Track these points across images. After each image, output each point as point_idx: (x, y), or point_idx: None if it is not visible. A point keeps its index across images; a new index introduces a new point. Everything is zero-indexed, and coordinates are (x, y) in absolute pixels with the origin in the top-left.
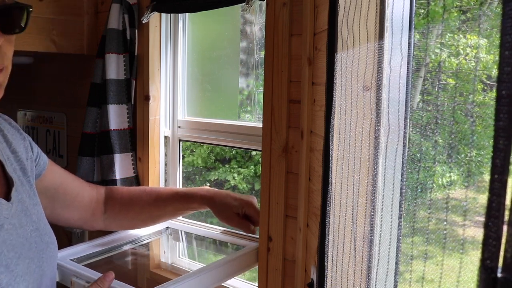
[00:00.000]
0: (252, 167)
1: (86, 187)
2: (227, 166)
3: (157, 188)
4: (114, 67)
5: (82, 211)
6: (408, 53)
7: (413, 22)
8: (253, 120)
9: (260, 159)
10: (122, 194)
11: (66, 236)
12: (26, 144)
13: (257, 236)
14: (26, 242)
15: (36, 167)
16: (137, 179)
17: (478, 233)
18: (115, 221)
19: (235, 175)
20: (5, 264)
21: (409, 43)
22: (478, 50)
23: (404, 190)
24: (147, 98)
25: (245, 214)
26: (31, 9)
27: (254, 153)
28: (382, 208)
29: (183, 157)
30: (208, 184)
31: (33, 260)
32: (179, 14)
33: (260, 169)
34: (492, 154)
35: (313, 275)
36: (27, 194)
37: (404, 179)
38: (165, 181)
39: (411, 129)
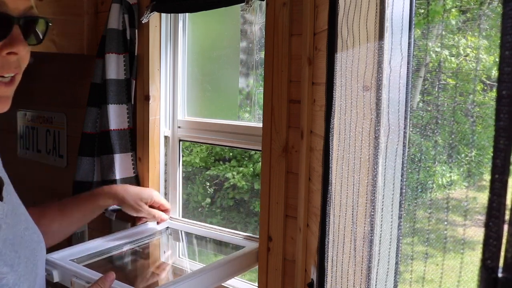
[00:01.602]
0: (251, 166)
1: None
2: (227, 164)
3: (65, 198)
4: (114, 67)
5: None
6: (408, 53)
7: (413, 22)
8: (253, 120)
9: (259, 158)
10: (32, 212)
11: None
12: None
13: (257, 236)
14: (22, 241)
15: None
16: (137, 179)
17: (478, 233)
18: None
19: (234, 173)
20: (10, 264)
21: (409, 43)
22: (478, 50)
23: (404, 190)
24: (147, 98)
25: (151, 205)
26: (50, 23)
27: (253, 152)
28: (382, 208)
29: (182, 157)
30: (208, 184)
31: (29, 259)
32: (179, 14)
33: (259, 167)
34: (492, 154)
35: (313, 275)
36: (14, 194)
37: (404, 179)
38: (165, 181)
39: (411, 129)
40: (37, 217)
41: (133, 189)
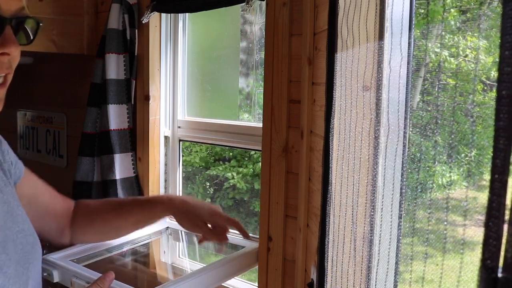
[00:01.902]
0: (251, 166)
1: (59, 200)
2: (226, 164)
3: (120, 198)
4: (114, 67)
5: (52, 225)
6: (408, 53)
7: (413, 22)
8: (253, 120)
9: (259, 158)
10: (87, 207)
11: None
12: (3, 148)
13: (257, 236)
14: (13, 244)
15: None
16: (137, 179)
17: (478, 233)
18: (79, 235)
19: (234, 173)
20: None
21: (409, 43)
22: (478, 50)
23: (404, 190)
24: (147, 98)
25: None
26: (41, 23)
27: (253, 152)
28: (382, 208)
29: (182, 157)
30: (208, 184)
31: (20, 262)
32: (179, 14)
33: (258, 167)
34: (492, 154)
35: (313, 275)
36: (12, 195)
37: (404, 179)
38: (165, 181)
39: (411, 129)
40: (92, 215)
41: (193, 207)
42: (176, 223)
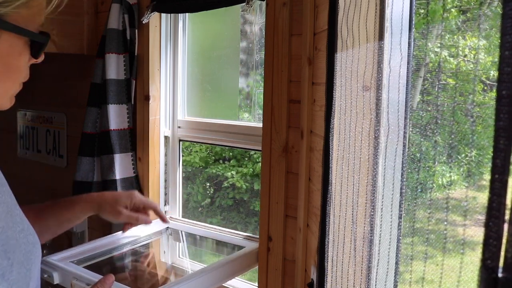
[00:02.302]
0: (250, 166)
1: None
2: (226, 163)
3: (41, 203)
4: (114, 67)
5: None
6: (408, 53)
7: (413, 22)
8: (253, 120)
9: (259, 158)
10: None
11: (66, 236)
12: None
13: (257, 236)
14: (16, 245)
15: None
16: (137, 179)
17: (478, 233)
18: None
19: (234, 172)
20: (1, 273)
21: (409, 43)
22: (478, 51)
23: (404, 190)
24: (147, 98)
25: (134, 207)
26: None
27: (253, 152)
28: (382, 208)
29: (182, 157)
30: (208, 184)
31: (23, 264)
32: (179, 14)
33: (258, 167)
34: (492, 154)
35: (313, 275)
36: (9, 194)
37: (404, 179)
38: (165, 181)
39: (411, 129)
40: None
41: (111, 194)
42: (175, 223)
